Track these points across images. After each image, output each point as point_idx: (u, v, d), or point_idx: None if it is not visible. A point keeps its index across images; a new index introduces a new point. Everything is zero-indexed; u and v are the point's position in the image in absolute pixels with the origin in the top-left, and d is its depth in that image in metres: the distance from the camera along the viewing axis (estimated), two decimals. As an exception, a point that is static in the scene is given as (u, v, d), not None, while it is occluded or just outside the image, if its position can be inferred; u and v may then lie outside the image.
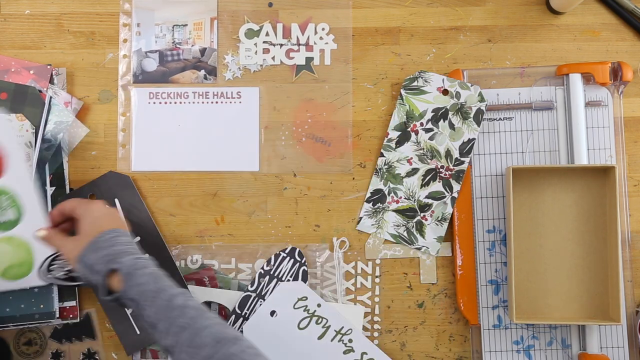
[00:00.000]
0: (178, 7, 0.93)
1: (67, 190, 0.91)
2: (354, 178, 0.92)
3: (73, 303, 0.89)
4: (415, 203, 0.90)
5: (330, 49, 0.93)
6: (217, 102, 0.93)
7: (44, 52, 0.93)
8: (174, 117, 0.92)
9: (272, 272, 0.89)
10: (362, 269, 0.91)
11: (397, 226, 0.91)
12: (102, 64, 0.93)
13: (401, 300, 0.91)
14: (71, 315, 0.89)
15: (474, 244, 0.90)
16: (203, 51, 0.93)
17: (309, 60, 0.93)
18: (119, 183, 0.90)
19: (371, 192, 0.91)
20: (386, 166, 0.91)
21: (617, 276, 0.84)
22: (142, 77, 0.93)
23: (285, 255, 0.89)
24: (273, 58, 0.93)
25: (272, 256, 0.90)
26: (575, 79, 0.89)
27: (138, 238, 0.89)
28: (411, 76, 0.91)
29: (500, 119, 0.91)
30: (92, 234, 0.78)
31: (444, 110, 0.90)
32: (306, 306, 0.88)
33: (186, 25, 0.93)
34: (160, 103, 0.93)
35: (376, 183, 0.91)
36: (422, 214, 0.90)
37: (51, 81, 0.92)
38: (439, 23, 0.93)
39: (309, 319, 0.87)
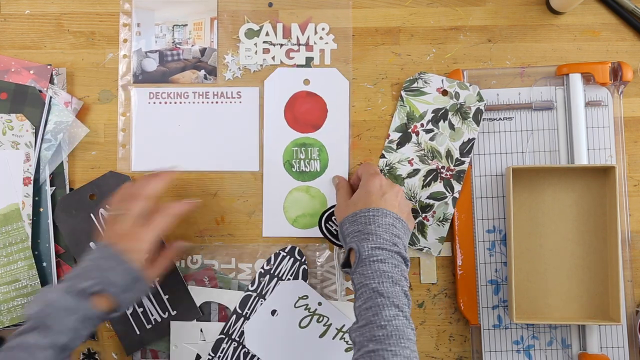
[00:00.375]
0: (178, 7, 0.93)
1: (67, 190, 0.91)
2: (354, 178, 0.92)
3: (73, 303, 0.89)
4: (417, 204, 0.90)
5: (330, 48, 0.93)
6: (217, 102, 0.92)
7: (44, 52, 0.93)
8: (174, 117, 0.92)
9: (272, 272, 0.89)
10: (362, 269, 0.91)
11: (398, 226, 0.91)
12: (102, 64, 0.93)
13: (401, 300, 0.91)
14: (72, 316, 0.89)
15: (474, 244, 0.90)
16: (203, 51, 0.93)
17: (309, 60, 0.93)
18: (119, 183, 0.90)
19: (372, 192, 0.91)
20: (387, 167, 0.91)
21: (617, 276, 0.85)
22: (142, 77, 0.93)
23: (285, 254, 0.89)
24: (273, 58, 0.93)
25: (272, 255, 0.90)
26: (575, 79, 0.89)
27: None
28: (411, 77, 0.91)
29: (500, 119, 0.91)
30: (358, 206, 0.77)
31: (443, 110, 0.90)
32: (307, 305, 0.88)
33: (186, 25, 0.93)
34: (160, 103, 0.93)
35: (377, 183, 0.91)
36: (423, 215, 0.90)
37: (51, 81, 0.92)
38: (439, 23, 0.93)
39: (310, 317, 0.88)
